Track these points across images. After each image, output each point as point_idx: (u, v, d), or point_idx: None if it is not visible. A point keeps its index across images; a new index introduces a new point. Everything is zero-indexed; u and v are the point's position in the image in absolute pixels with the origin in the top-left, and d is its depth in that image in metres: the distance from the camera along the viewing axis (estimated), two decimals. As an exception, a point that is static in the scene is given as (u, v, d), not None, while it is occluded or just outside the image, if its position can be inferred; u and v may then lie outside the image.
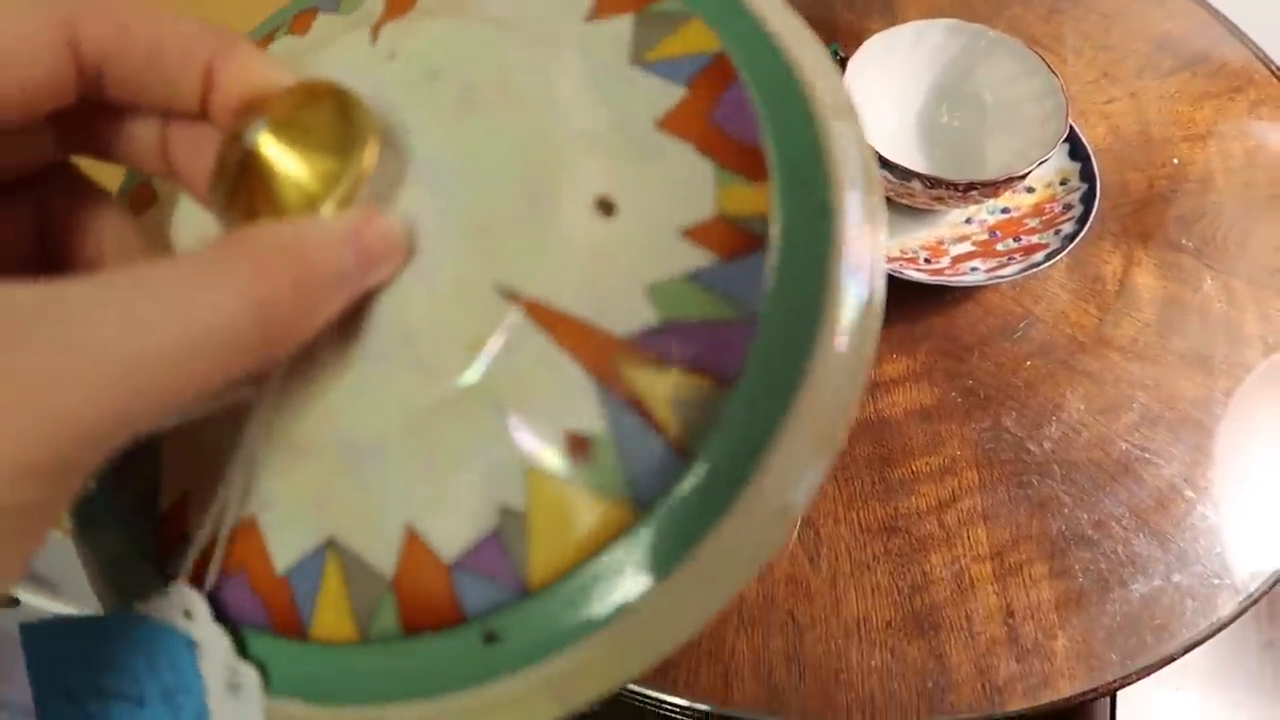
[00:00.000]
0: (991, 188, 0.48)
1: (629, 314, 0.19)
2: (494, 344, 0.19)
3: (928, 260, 0.52)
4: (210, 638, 0.20)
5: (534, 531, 0.18)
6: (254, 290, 0.15)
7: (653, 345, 0.18)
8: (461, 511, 0.19)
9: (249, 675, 0.20)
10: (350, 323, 0.20)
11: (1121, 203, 0.56)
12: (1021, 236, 0.52)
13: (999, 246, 0.52)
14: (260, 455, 0.20)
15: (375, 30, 0.23)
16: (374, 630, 0.19)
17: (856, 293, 0.19)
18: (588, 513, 0.18)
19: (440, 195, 0.20)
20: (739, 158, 0.20)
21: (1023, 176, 0.48)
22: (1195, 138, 0.59)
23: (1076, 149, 0.54)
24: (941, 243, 0.53)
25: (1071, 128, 0.54)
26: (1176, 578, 0.43)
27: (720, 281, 0.19)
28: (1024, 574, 0.44)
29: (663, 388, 0.18)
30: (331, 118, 0.18)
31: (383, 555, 0.19)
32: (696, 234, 0.19)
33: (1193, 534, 0.45)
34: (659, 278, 0.19)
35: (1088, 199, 0.52)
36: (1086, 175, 0.53)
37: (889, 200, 0.53)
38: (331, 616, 0.19)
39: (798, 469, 0.18)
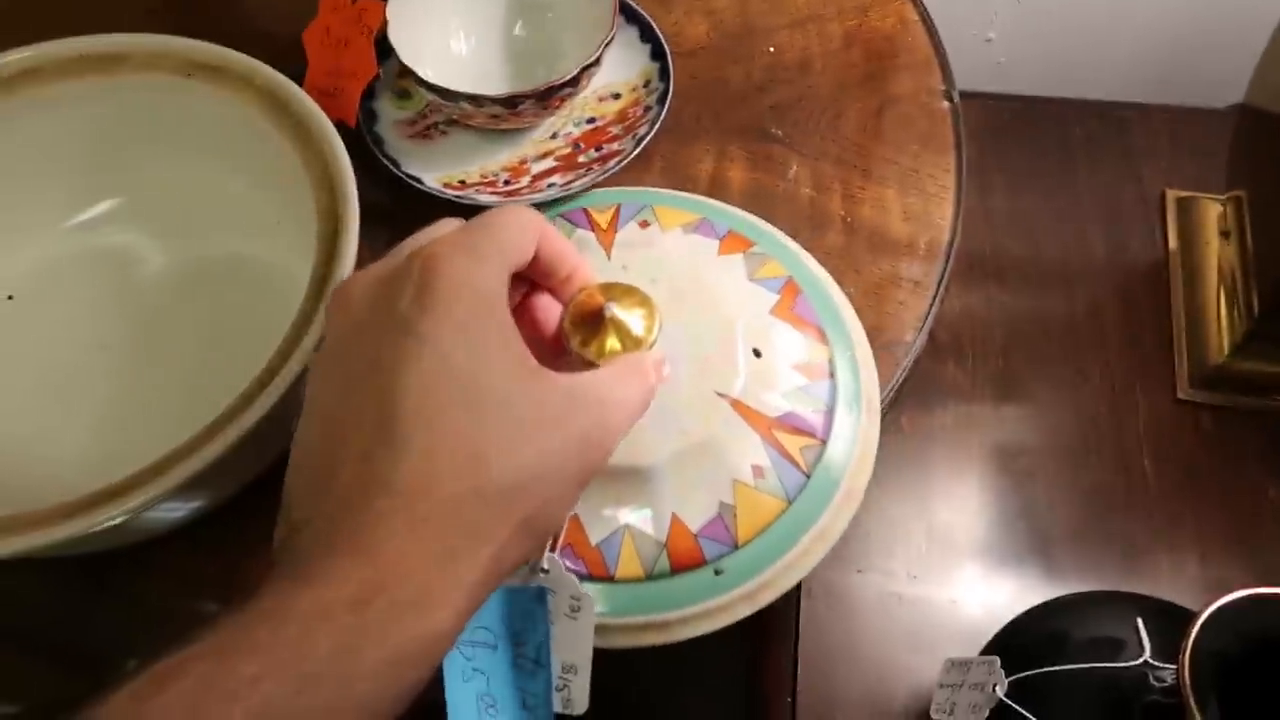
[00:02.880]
0: (541, 99, 0.46)
1: (774, 407, 0.39)
2: (716, 420, 0.38)
3: (507, 182, 0.50)
4: (560, 580, 0.36)
5: (739, 514, 0.38)
6: (646, 384, 0.32)
7: (786, 421, 0.40)
8: (701, 504, 0.38)
9: (587, 598, 0.36)
10: None
11: (717, 100, 0.55)
12: (603, 145, 0.51)
13: (580, 159, 0.50)
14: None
15: (609, 252, 0.43)
16: (654, 572, 0.38)
17: (875, 399, 0.43)
18: (763, 504, 0.39)
19: (676, 345, 0.39)
20: (812, 329, 0.43)
21: (572, 83, 0.47)
22: (796, 24, 0.59)
23: (657, 49, 0.53)
24: (524, 162, 0.51)
25: (653, 28, 0.53)
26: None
27: (814, 392, 0.41)
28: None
29: (792, 442, 0.40)
30: (640, 300, 0.35)
31: (659, 530, 0.38)
32: (799, 368, 0.41)
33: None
34: (786, 389, 0.40)
35: (664, 99, 0.51)
36: (665, 75, 0.52)
37: (466, 125, 0.51)
38: (628, 566, 0.38)
39: (862, 480, 0.41)
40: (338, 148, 0.41)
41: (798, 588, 0.62)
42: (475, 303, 0.27)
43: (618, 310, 0.37)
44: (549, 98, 0.47)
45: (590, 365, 0.37)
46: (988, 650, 0.55)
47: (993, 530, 0.66)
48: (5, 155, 0.44)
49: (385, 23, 0.48)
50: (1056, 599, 0.56)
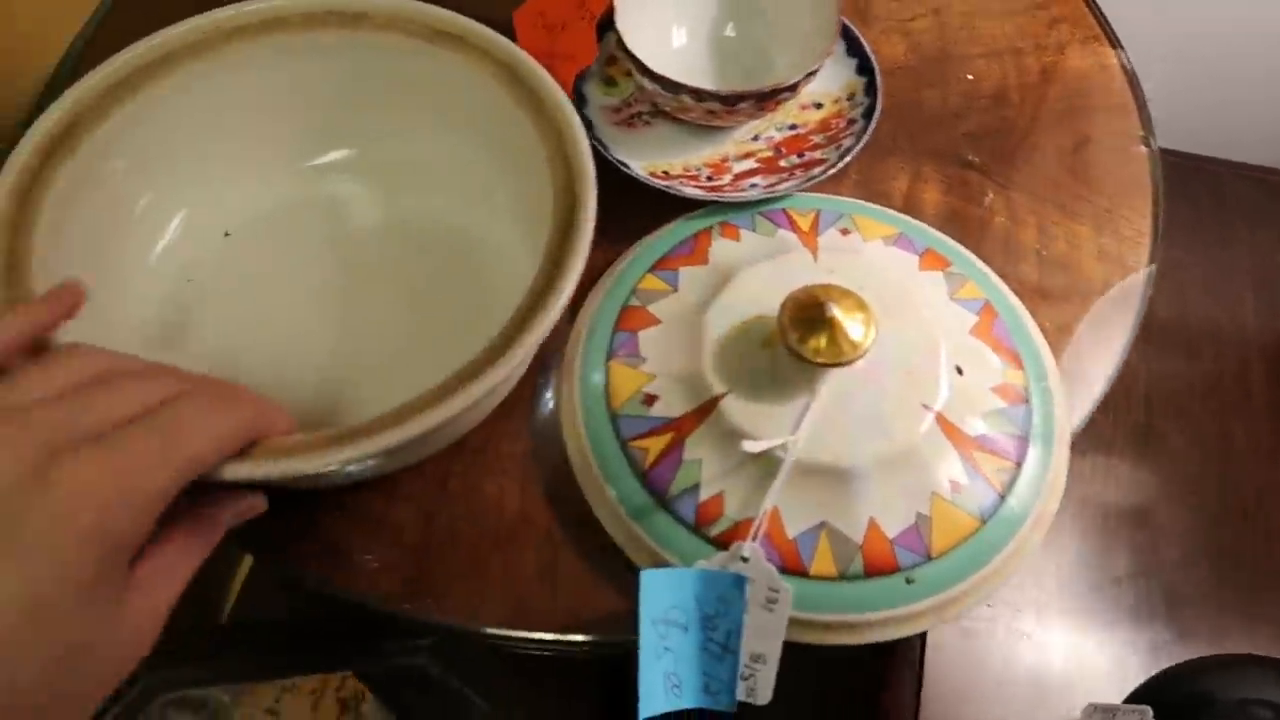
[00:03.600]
0: (760, 100, 0.47)
1: (974, 425, 0.41)
2: (919, 431, 0.39)
3: (709, 178, 0.51)
4: (760, 570, 0.37)
5: (935, 526, 0.39)
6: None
7: (984, 442, 0.41)
8: (899, 512, 0.39)
9: (786, 591, 0.37)
10: (849, 409, 0.40)
11: (914, 121, 0.56)
12: (805, 152, 0.51)
13: (782, 163, 0.51)
14: (787, 480, 0.38)
15: (815, 254, 0.45)
16: (849, 572, 0.39)
17: (1066, 431, 0.44)
18: (958, 520, 0.39)
19: (884, 351, 0.40)
20: (1009, 354, 0.44)
21: (792, 88, 0.47)
22: (994, 54, 0.59)
23: (864, 64, 0.53)
24: (725, 160, 0.52)
25: (862, 44, 0.54)
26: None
27: (1011, 416, 0.42)
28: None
29: (989, 463, 0.40)
30: (858, 304, 0.38)
31: (855, 532, 0.39)
32: (997, 390, 0.42)
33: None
34: (985, 410, 0.41)
35: (870, 113, 0.51)
36: (870, 90, 0.52)
37: (672, 118, 0.52)
38: (822, 563, 0.39)
39: (1052, 507, 0.42)
40: (575, 123, 0.42)
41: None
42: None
43: (838, 312, 0.38)
44: (767, 100, 0.48)
45: (805, 361, 0.38)
46: (1130, 702, 0.54)
47: (1123, 582, 0.65)
48: (247, 96, 0.46)
49: (610, 10, 0.49)
50: (1204, 658, 0.55)
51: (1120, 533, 0.67)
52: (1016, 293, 0.48)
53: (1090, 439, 0.72)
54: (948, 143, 0.55)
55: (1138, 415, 0.75)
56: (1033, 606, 0.63)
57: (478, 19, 0.46)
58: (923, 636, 0.61)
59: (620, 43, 0.48)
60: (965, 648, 0.60)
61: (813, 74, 0.48)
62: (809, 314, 0.38)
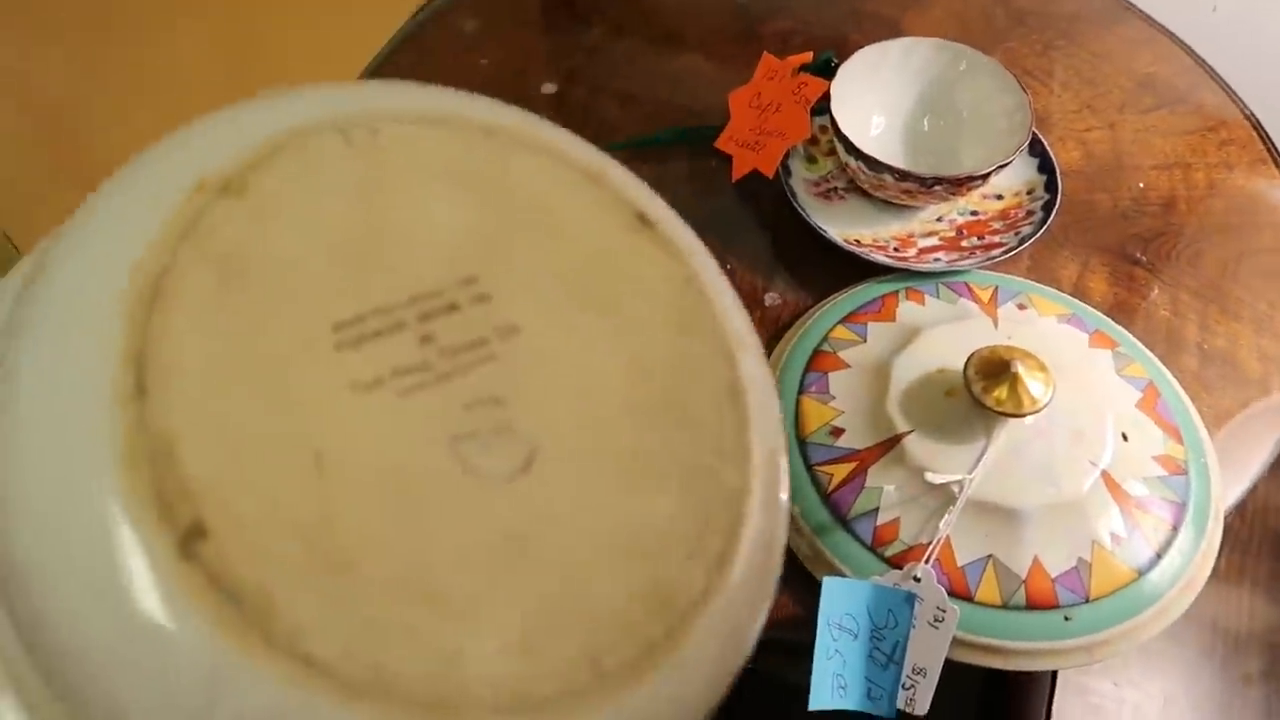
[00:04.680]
0: (955, 184, 0.54)
1: (1135, 487, 0.45)
2: (1085, 484, 0.44)
3: (896, 249, 0.57)
4: (931, 590, 0.42)
5: (1094, 572, 0.43)
6: None
7: (1144, 504, 0.45)
8: (1062, 554, 0.43)
9: (953, 611, 0.42)
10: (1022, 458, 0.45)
11: (1086, 219, 0.61)
12: (985, 236, 0.57)
13: (963, 243, 0.57)
14: (960, 513, 0.43)
15: (995, 322, 0.51)
16: (1010, 602, 0.43)
17: (1220, 507, 0.48)
18: (1116, 570, 0.44)
19: (1056, 412, 0.44)
20: (1170, 429, 0.48)
21: (984, 176, 0.54)
22: (1163, 167, 0.64)
23: (1045, 164, 0.59)
24: (911, 236, 0.58)
25: (1044, 146, 0.60)
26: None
27: (1170, 484, 0.46)
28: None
29: (1148, 523, 0.45)
30: (1040, 366, 0.43)
31: (1020, 567, 0.43)
32: (1158, 459, 0.47)
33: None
34: (1146, 475, 0.46)
35: (1048, 207, 0.57)
36: (1050, 188, 0.58)
37: (865, 194, 0.59)
38: (987, 591, 0.43)
39: (1202, 575, 0.45)
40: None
41: (1054, 674, 0.65)
42: None
43: (1022, 369, 0.43)
44: (960, 185, 0.54)
45: (986, 409, 0.43)
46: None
47: (1254, 680, 0.66)
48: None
49: (826, 97, 0.57)
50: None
51: (1255, 630, 0.68)
52: (1178, 380, 0.52)
53: (1229, 539, 0.74)
54: (1116, 241, 0.60)
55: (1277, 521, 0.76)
56: (1161, 695, 0.64)
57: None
58: (1049, 708, 0.63)
59: (834, 125, 0.55)
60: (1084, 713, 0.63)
61: (1004, 166, 0.54)
62: (994, 369, 0.44)
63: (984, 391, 0.43)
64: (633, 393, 0.25)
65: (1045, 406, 0.43)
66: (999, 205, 0.59)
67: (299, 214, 0.24)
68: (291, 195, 0.24)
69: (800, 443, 0.48)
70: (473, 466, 0.22)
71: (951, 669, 0.43)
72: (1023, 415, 0.43)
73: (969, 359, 0.45)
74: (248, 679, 0.19)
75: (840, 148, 0.56)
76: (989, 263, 0.54)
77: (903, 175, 0.53)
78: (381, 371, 0.22)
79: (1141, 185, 0.63)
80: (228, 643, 0.19)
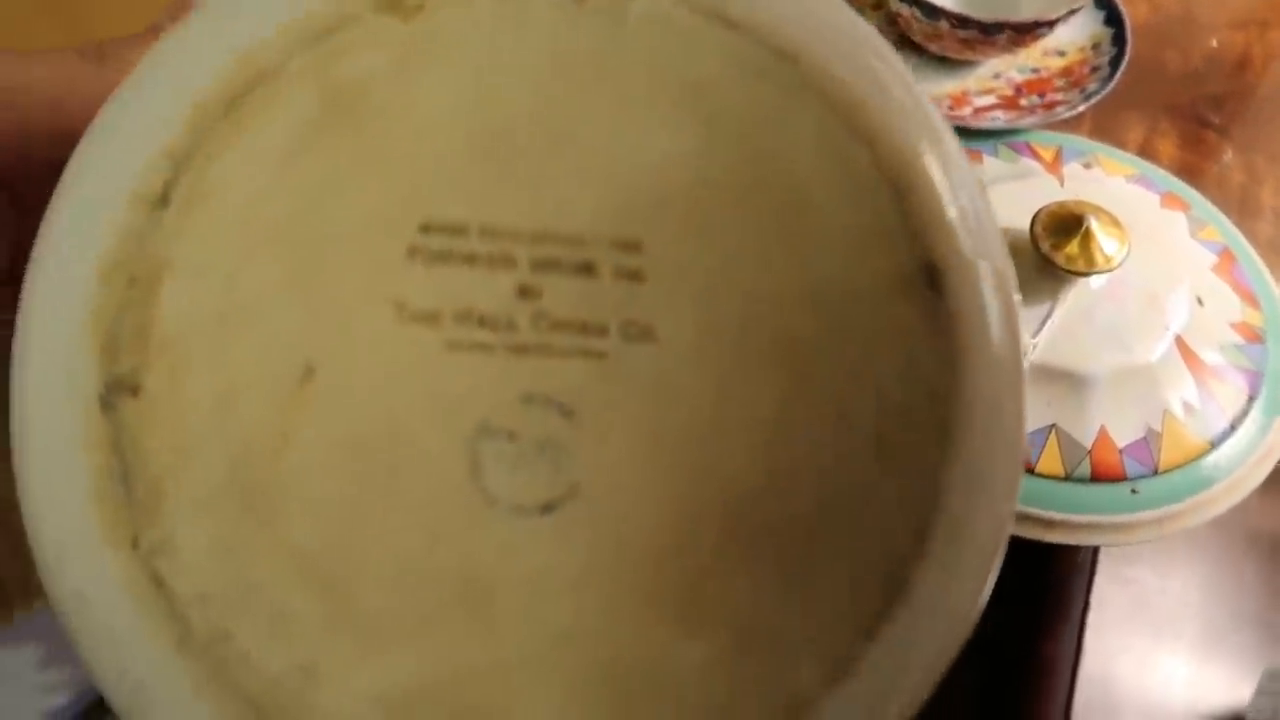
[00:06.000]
0: (1019, 31, 0.49)
1: (1210, 355, 0.41)
2: (1158, 349, 0.40)
3: (950, 108, 0.53)
4: None
5: (1164, 442, 0.39)
6: None
7: (1220, 372, 0.41)
8: (1130, 423, 0.39)
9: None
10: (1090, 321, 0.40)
11: (1153, 78, 0.56)
12: (1046, 94, 0.53)
13: (1023, 102, 0.53)
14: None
15: (1060, 181, 0.46)
16: (1074, 474, 0.39)
17: None
18: (1187, 440, 0.39)
19: (1129, 272, 0.40)
20: (1248, 296, 0.44)
21: (1052, 23, 0.49)
22: (1238, 24, 0.59)
23: (1112, 15, 0.54)
24: (966, 94, 0.54)
25: (1111, -3, 0.55)
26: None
27: (1248, 352, 0.42)
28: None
29: (1223, 392, 0.40)
30: (1114, 222, 0.40)
31: (1085, 437, 0.39)
32: (1235, 326, 0.42)
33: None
34: (1222, 342, 0.41)
35: (1115, 62, 0.52)
36: (1118, 40, 0.53)
37: (918, 47, 0.54)
38: (1049, 463, 0.39)
39: (1278, 445, 0.40)
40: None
41: (1093, 564, 0.63)
42: None
43: (1095, 225, 0.40)
44: (1025, 33, 0.49)
45: (1055, 267, 0.40)
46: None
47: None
48: None
49: (875, -61, 0.52)
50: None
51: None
52: (1253, 245, 0.48)
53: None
54: (1187, 101, 0.55)
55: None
56: (1204, 584, 0.62)
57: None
58: (1088, 593, 0.61)
59: (886, -33, 0.51)
60: (1131, 611, 0.61)
61: (1073, 12, 0.49)
62: (1064, 224, 0.40)
63: (1053, 249, 0.40)
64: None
65: (1119, 266, 0.40)
66: (1061, 62, 0.54)
67: (466, 67, 0.18)
68: (470, 41, 0.18)
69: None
70: (482, 475, 0.17)
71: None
72: (1095, 273, 0.40)
73: (1036, 214, 0.41)
74: (91, 565, 0.16)
75: (892, -6, 0.51)
76: (1051, 121, 0.50)
77: (962, 22, 0.49)
78: (444, 305, 0.17)
79: (1215, 43, 0.58)
80: (91, 515, 0.16)
